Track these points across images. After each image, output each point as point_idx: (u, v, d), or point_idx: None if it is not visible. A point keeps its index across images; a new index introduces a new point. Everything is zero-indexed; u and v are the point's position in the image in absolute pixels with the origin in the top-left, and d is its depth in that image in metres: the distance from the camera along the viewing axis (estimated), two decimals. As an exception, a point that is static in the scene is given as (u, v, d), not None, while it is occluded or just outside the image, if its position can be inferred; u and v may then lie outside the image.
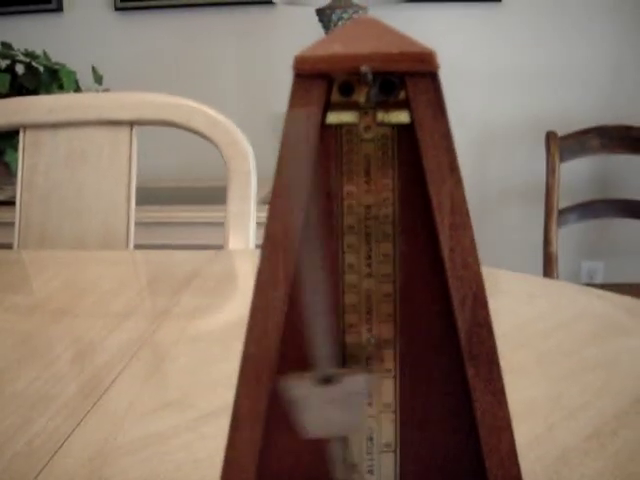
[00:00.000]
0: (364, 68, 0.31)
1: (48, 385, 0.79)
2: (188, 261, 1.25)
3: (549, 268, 2.27)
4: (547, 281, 1.17)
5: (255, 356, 0.32)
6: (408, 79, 0.31)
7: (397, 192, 0.32)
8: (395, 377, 0.33)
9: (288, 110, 0.32)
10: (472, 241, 0.31)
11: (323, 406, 0.30)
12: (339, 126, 0.33)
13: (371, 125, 0.33)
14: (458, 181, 0.31)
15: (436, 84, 0.31)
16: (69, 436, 0.68)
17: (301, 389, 0.30)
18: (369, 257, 0.33)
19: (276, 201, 0.31)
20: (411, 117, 0.32)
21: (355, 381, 0.30)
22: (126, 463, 0.64)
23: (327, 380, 0.30)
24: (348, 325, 0.33)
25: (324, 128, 0.32)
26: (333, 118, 0.32)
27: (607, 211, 2.41)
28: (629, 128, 2.37)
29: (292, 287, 0.31)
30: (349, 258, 0.33)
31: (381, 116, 0.32)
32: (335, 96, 0.32)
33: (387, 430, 0.33)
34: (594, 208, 2.41)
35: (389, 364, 0.33)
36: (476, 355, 0.31)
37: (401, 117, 0.32)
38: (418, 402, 0.33)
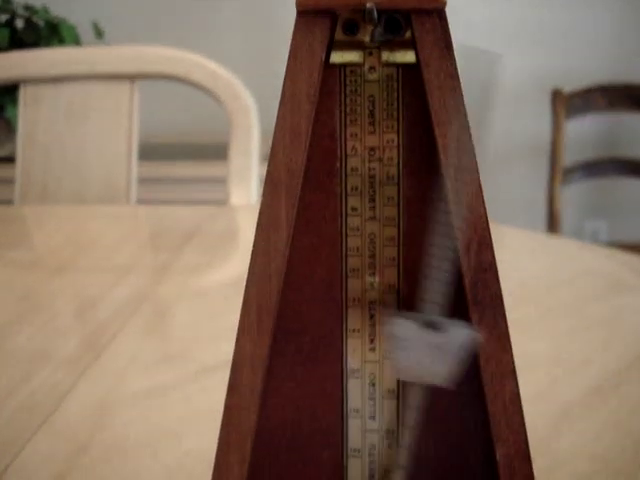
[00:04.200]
0: (369, 4, 0.30)
1: (49, 339, 0.79)
2: (190, 217, 1.25)
3: (552, 227, 2.27)
4: (551, 238, 1.17)
5: (257, 300, 0.32)
6: (414, 17, 0.30)
7: (402, 134, 0.32)
8: (398, 322, 0.32)
9: (290, 49, 0.31)
10: (478, 184, 0.31)
11: (422, 350, 0.29)
12: (343, 66, 0.32)
13: (376, 65, 0.32)
14: (464, 122, 0.30)
15: (443, 22, 0.31)
16: (71, 389, 0.68)
17: (406, 328, 0.29)
18: (373, 200, 0.32)
19: (278, 142, 0.31)
20: (417, 57, 0.31)
21: (462, 334, 0.30)
22: (128, 415, 0.65)
23: (433, 326, 0.30)
24: (351, 269, 0.32)
25: (327, 68, 0.31)
26: (337, 57, 0.31)
27: (612, 170, 2.40)
28: (636, 87, 2.34)
29: (294, 229, 0.31)
30: (352, 201, 0.32)
31: (386, 56, 0.31)
32: (339, 35, 0.31)
33: (390, 376, 0.33)
34: (599, 167, 2.40)
35: (392, 309, 0.32)
36: (481, 300, 0.31)
37: (407, 57, 0.31)
38: (421, 348, 0.32)
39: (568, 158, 2.34)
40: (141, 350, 0.77)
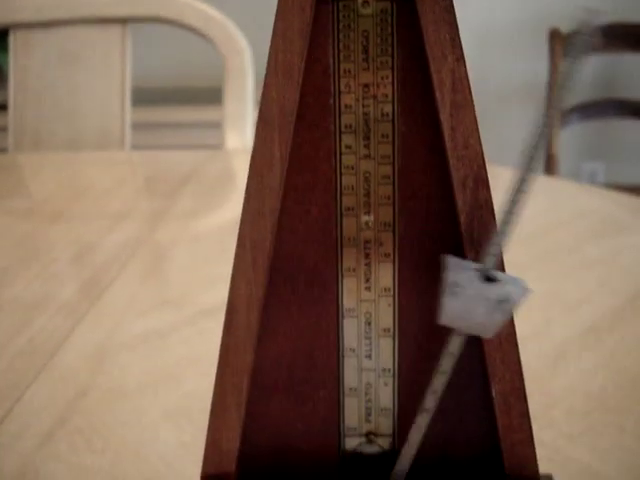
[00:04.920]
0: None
1: (47, 285, 0.79)
2: (185, 161, 1.24)
3: (550, 169, 2.26)
4: (548, 179, 1.16)
5: (251, 239, 0.31)
6: (408, -51, 0.30)
7: (397, 70, 0.31)
8: (394, 261, 0.32)
9: (282, -17, 0.30)
10: (474, 120, 0.30)
11: (474, 300, 0.29)
12: (336, 0, 0.31)
13: (369, -1, 0.31)
14: (460, 57, 0.30)
15: (438, -47, 0.30)
16: (70, 334, 0.69)
17: (462, 276, 0.29)
18: (367, 138, 0.31)
19: (270, 79, 0.30)
20: (411, -11, 0.30)
21: (514, 289, 0.29)
22: (126, 359, 0.65)
23: (489, 279, 0.29)
24: (345, 208, 0.32)
25: (320, 3, 0.30)
26: (329, -8, 0.31)
27: (610, 111, 2.38)
28: (635, 26, 2.31)
29: (288, 168, 0.30)
30: (346, 139, 0.31)
31: (380, -11, 0.31)
32: (331, -32, 0.31)
33: (386, 315, 0.33)
34: (596, 108, 2.38)
35: (388, 248, 0.32)
36: (477, 238, 0.31)
37: (401, -10, 0.30)
38: (417, 286, 0.32)
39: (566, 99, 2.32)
40: (139, 294, 0.77)
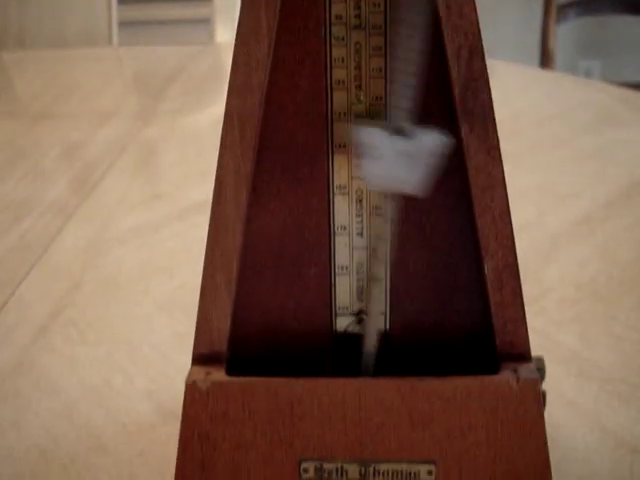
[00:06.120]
0: None
1: (37, 183, 0.79)
2: (174, 57, 1.21)
3: (546, 66, 2.23)
4: (544, 72, 1.15)
5: (238, 113, 0.30)
6: None
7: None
8: (386, 137, 0.31)
9: None
10: (470, -11, 0.29)
11: (392, 158, 0.28)
12: None
13: None
14: None
15: None
16: (61, 230, 0.68)
17: (374, 136, 0.28)
18: (358, 7, 0.30)
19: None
20: None
21: (432, 139, 0.28)
22: (119, 252, 0.65)
23: (403, 132, 0.28)
24: (336, 81, 0.31)
25: None
26: None
27: (607, 7, 2.33)
28: None
29: (276, 40, 0.29)
30: (336, 8, 0.30)
31: None
32: None
33: (377, 192, 0.32)
34: (594, 4, 2.33)
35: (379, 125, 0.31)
36: (471, 110, 0.30)
37: None
38: (409, 162, 0.32)
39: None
40: (130, 189, 0.76)
